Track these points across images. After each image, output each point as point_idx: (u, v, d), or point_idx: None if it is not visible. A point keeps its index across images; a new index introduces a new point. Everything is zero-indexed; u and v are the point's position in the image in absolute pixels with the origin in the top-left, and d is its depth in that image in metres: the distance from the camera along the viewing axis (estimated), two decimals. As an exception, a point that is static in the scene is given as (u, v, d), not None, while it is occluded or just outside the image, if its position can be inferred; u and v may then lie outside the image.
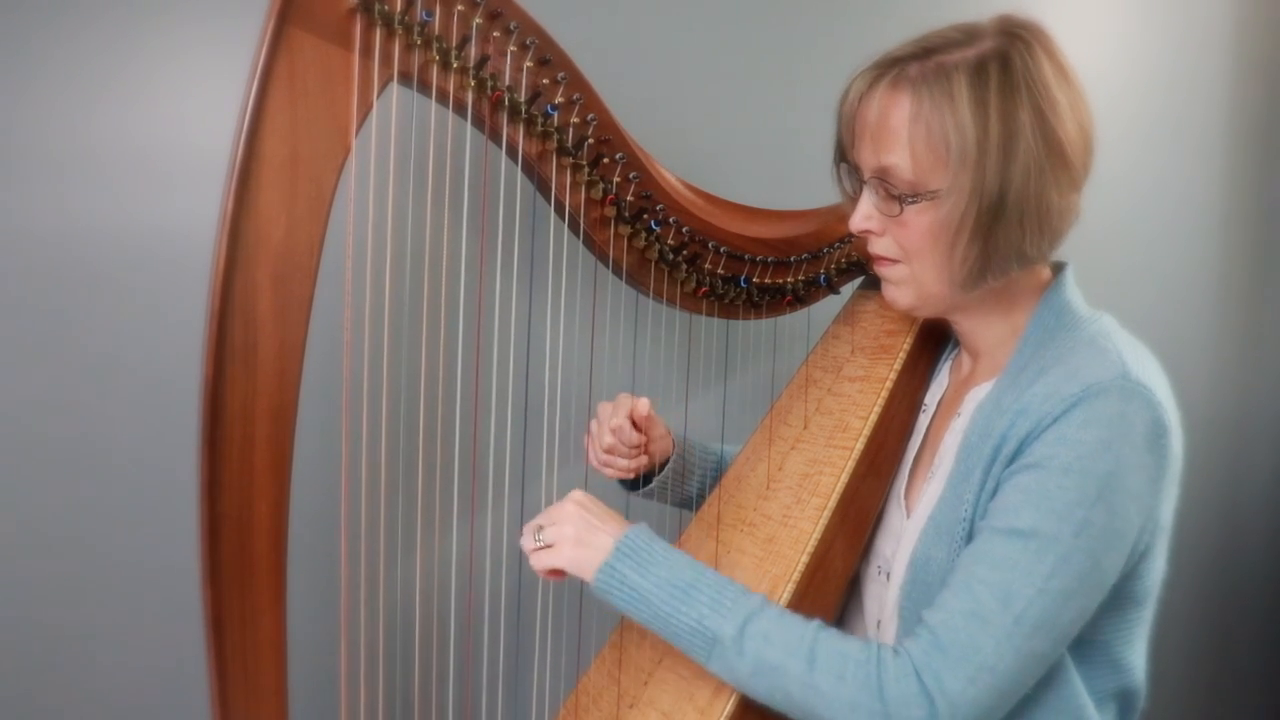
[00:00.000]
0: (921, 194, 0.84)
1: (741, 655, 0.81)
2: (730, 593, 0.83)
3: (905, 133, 0.84)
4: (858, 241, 1.11)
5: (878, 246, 0.92)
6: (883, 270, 0.93)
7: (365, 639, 0.94)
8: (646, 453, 1.13)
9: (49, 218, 1.14)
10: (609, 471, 1.13)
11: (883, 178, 0.87)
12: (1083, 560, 0.77)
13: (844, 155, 0.93)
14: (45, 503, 1.17)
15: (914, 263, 0.89)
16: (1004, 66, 0.82)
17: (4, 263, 1.13)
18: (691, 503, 1.19)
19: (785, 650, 0.80)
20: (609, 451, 1.10)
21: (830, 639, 0.81)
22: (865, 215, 0.90)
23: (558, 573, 0.89)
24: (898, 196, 0.86)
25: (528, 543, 0.90)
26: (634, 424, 1.09)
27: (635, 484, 1.17)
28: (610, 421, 1.08)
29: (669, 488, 1.17)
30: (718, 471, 1.21)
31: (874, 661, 0.79)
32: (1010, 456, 0.82)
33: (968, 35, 0.85)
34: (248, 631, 0.79)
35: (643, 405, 1.07)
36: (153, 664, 1.22)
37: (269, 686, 0.80)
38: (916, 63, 0.84)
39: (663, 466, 1.15)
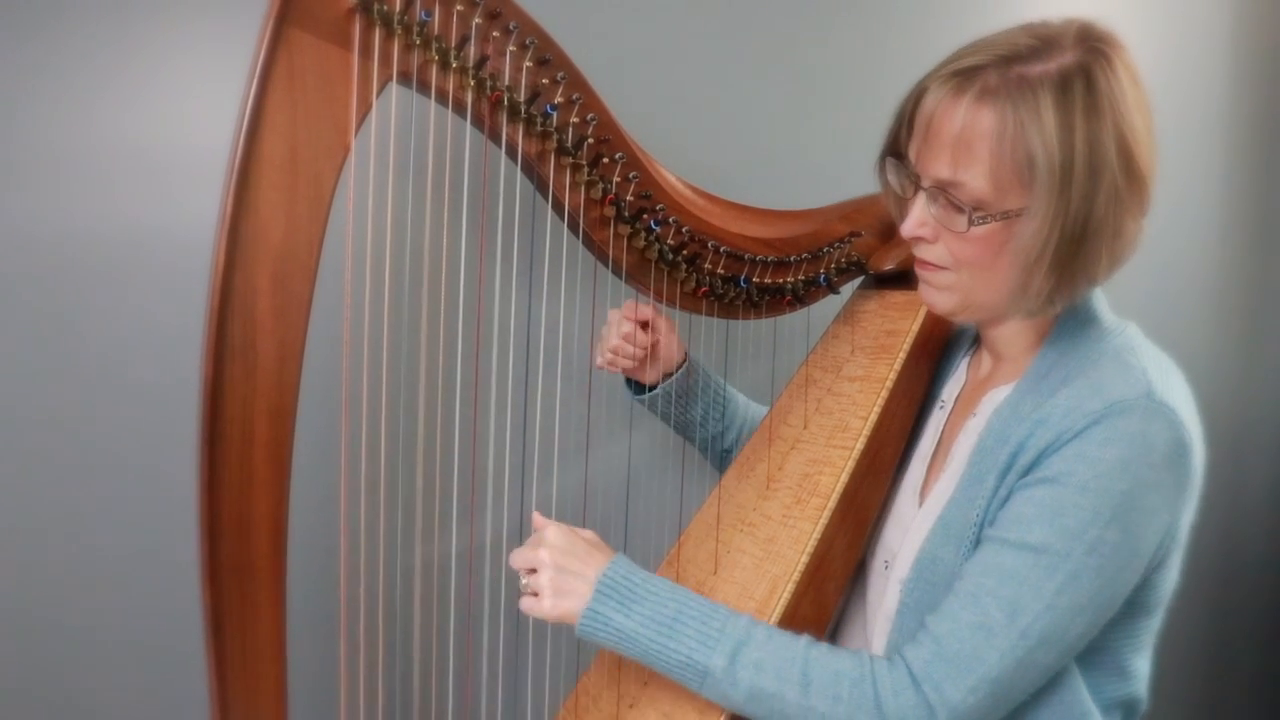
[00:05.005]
0: (994, 213, 0.81)
1: (735, 685, 0.81)
2: (716, 621, 0.83)
3: (987, 150, 0.79)
4: (859, 243, 1.11)
5: (928, 254, 0.87)
6: (927, 274, 0.89)
7: (365, 639, 0.94)
8: (655, 356, 1.16)
9: (48, 218, 1.14)
10: (614, 368, 1.16)
11: (948, 189, 0.82)
12: (1093, 578, 0.76)
13: (898, 152, 0.88)
14: (45, 503, 1.17)
15: (965, 273, 0.85)
16: (1089, 85, 0.78)
17: (3, 263, 1.13)
18: (694, 429, 1.21)
19: (778, 677, 0.80)
20: (614, 352, 1.14)
21: (822, 658, 0.81)
22: (919, 222, 0.85)
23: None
24: (965, 212, 0.81)
25: (524, 600, 0.89)
26: (642, 327, 1.13)
27: (640, 389, 1.20)
28: (621, 328, 1.12)
29: (672, 402, 1.19)
30: (722, 406, 1.23)
31: (869, 679, 0.79)
32: (1026, 467, 0.81)
33: (1045, 44, 0.80)
34: (247, 631, 0.79)
35: (645, 310, 1.12)
36: (153, 664, 1.21)
37: (269, 686, 0.80)
38: (996, 73, 0.79)
39: (667, 376, 1.18)
